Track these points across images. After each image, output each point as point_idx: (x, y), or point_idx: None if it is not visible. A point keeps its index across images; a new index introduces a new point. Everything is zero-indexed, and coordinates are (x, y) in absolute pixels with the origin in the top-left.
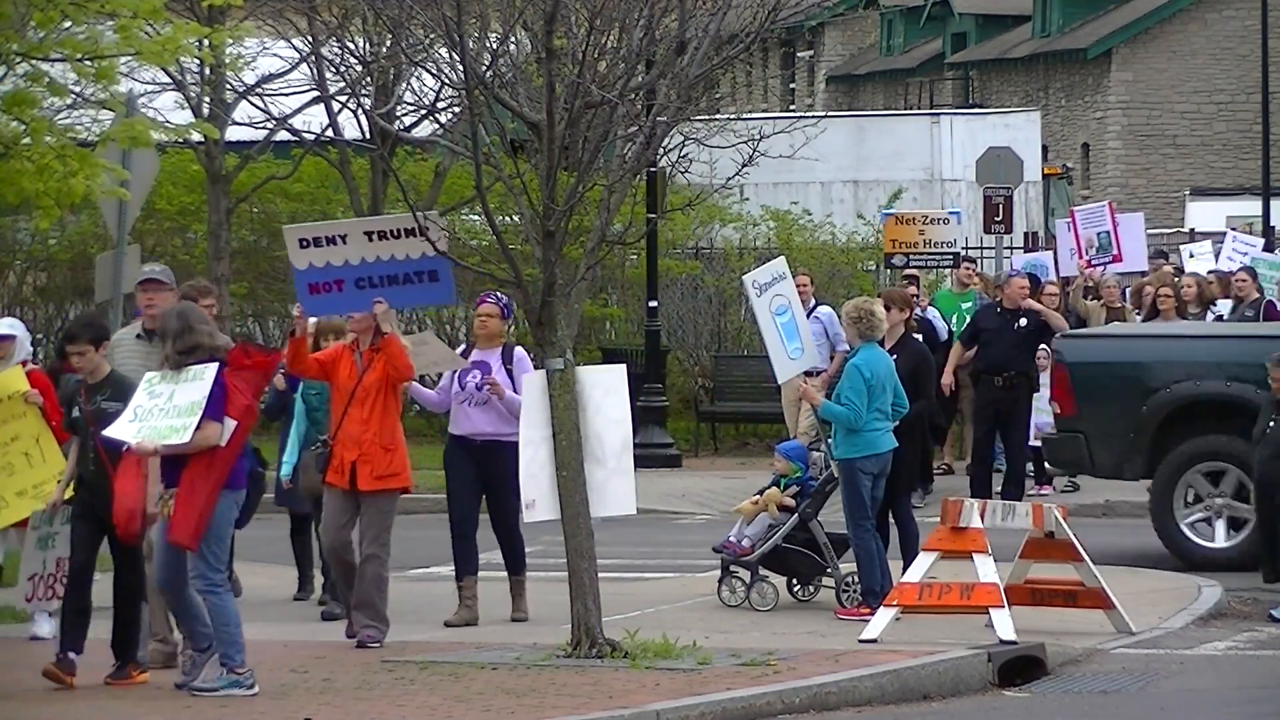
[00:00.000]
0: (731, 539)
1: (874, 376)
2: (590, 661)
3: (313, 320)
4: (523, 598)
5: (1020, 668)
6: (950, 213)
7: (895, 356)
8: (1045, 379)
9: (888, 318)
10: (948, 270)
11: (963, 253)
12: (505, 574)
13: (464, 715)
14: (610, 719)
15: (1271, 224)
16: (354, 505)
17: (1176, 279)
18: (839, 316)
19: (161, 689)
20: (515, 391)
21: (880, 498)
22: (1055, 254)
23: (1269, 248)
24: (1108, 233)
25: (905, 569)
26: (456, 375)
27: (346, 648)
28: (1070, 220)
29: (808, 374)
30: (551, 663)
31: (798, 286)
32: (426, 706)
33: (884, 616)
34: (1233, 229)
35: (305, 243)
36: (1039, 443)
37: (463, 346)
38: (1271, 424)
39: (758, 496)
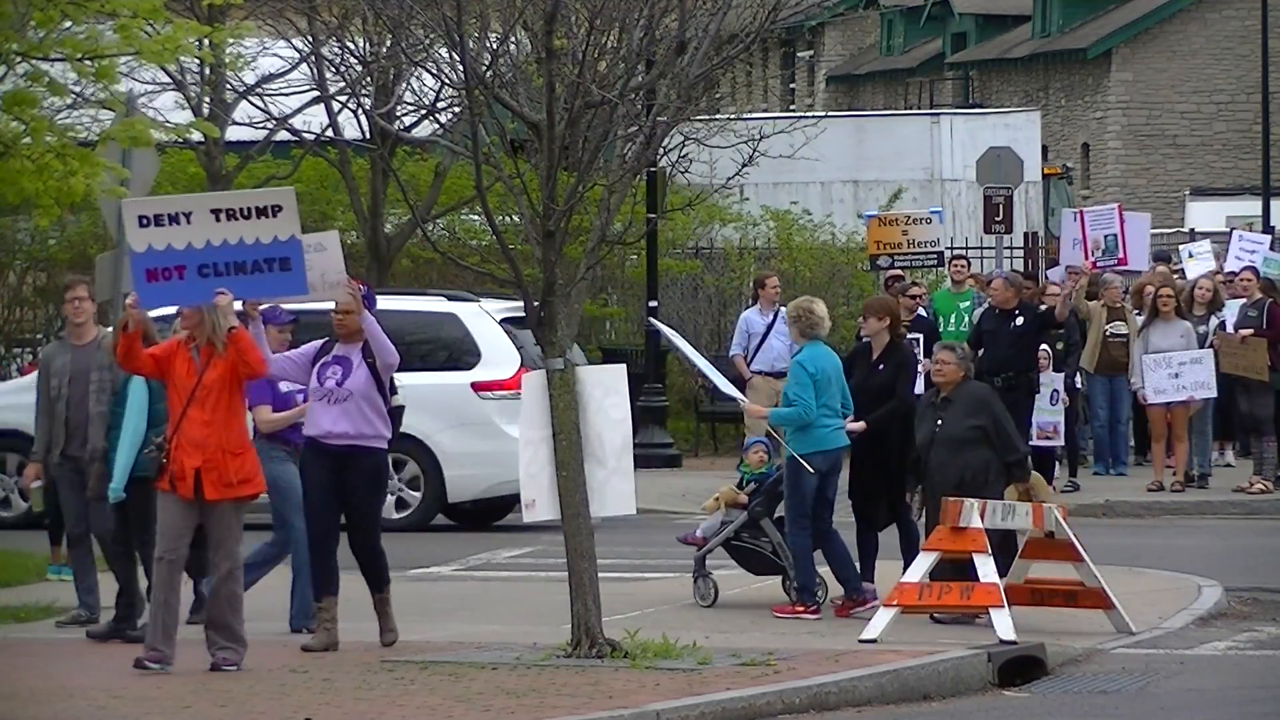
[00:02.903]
0: (698, 533)
1: (819, 372)
2: (590, 661)
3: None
4: (389, 616)
5: (1020, 668)
6: (931, 211)
7: (882, 366)
8: (1045, 379)
9: (866, 326)
10: (941, 270)
11: (948, 251)
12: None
13: (464, 715)
14: (610, 719)
15: (1272, 224)
16: (195, 516)
17: (1179, 278)
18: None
19: (162, 689)
20: (380, 390)
21: (833, 496)
22: (1058, 246)
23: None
24: (1114, 236)
25: (905, 569)
26: (316, 370)
27: (347, 647)
28: (1079, 219)
29: (780, 375)
30: (551, 663)
31: (769, 287)
32: (426, 706)
33: (884, 616)
34: (1235, 229)
35: (146, 220)
36: (1040, 442)
37: (324, 339)
38: (940, 422)
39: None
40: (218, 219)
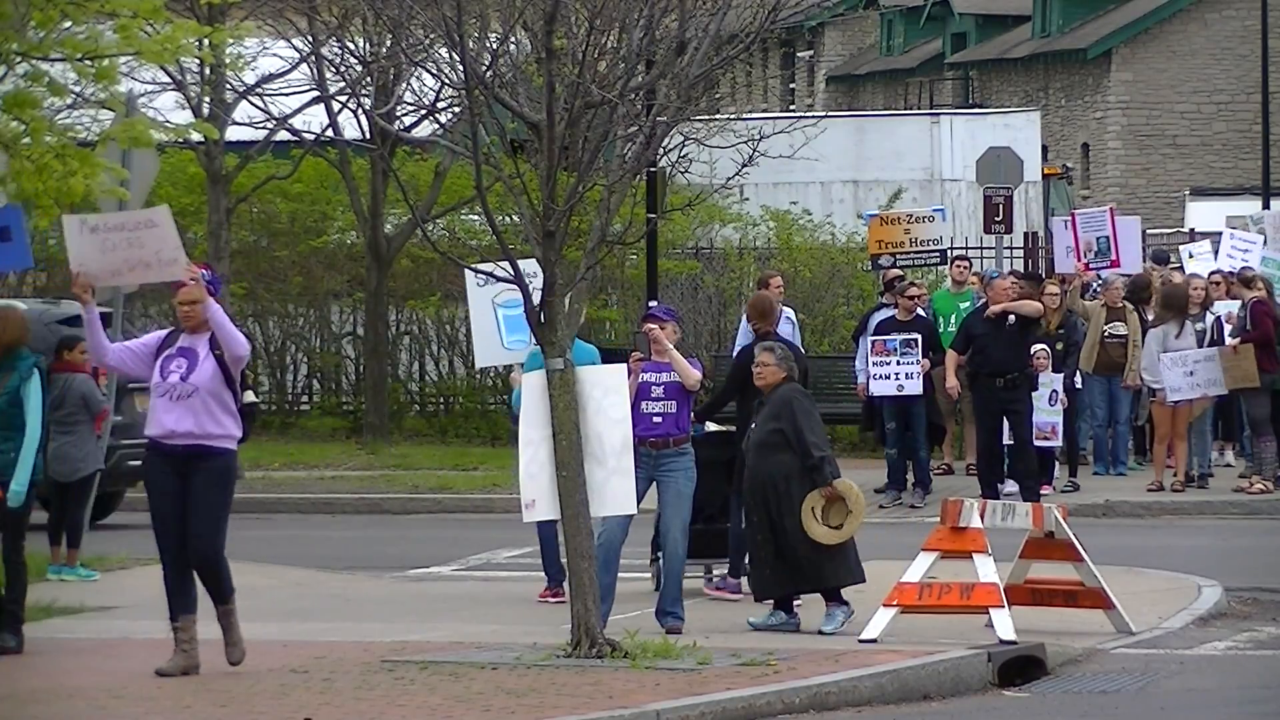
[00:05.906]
0: None
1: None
2: (590, 661)
3: None
4: (234, 629)
5: (1020, 668)
6: (934, 210)
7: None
8: (1044, 379)
9: (750, 323)
10: (942, 269)
11: (951, 250)
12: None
13: (464, 715)
14: (610, 719)
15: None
16: None
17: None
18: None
19: (162, 689)
20: (230, 385)
21: None
22: (1051, 251)
23: None
24: (1107, 238)
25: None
26: (159, 364)
27: (347, 647)
28: (1070, 221)
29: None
30: (551, 663)
31: (772, 287)
32: (426, 706)
33: (884, 617)
34: (1232, 229)
35: None
36: (1038, 443)
37: (169, 330)
38: (754, 425)
39: None
40: None
